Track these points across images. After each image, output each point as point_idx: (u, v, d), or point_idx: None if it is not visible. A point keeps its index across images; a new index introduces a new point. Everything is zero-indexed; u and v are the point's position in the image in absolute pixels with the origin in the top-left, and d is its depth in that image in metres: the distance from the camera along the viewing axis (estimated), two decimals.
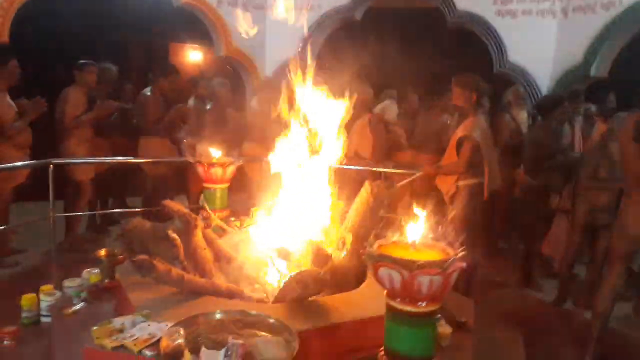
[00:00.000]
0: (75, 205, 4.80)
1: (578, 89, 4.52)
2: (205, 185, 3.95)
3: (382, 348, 1.88)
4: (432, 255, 1.76)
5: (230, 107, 5.16)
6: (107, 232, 5.55)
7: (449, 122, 4.59)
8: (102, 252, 3.16)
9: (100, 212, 5.51)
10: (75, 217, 5.03)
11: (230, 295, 2.54)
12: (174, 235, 2.67)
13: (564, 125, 3.97)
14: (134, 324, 2.06)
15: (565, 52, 6.85)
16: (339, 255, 2.83)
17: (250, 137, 4.87)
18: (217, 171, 3.88)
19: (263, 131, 5.03)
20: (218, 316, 2.11)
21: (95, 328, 2.01)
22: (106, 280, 3.04)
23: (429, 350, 1.79)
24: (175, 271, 2.45)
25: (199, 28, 8.33)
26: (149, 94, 5.21)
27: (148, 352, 1.90)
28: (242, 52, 8.14)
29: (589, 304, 3.32)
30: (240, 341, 1.90)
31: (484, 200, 3.65)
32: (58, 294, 3.02)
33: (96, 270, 3.21)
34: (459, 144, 3.54)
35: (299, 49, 8.14)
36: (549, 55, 7.03)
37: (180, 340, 1.90)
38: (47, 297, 2.95)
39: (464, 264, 1.69)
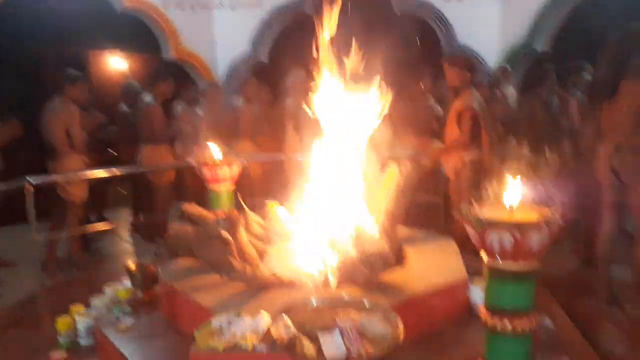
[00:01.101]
0: (62, 227, 4.51)
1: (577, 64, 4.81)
2: (211, 187, 3.86)
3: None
4: (532, 216, 1.87)
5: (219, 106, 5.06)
6: (96, 250, 5.24)
7: (433, 104, 4.77)
8: (132, 265, 3.04)
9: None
10: (58, 238, 4.73)
11: (292, 285, 2.53)
12: (227, 234, 2.61)
13: (553, 96, 4.26)
14: (230, 323, 2.01)
15: (510, 31, 7.29)
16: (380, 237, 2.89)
17: (244, 135, 4.81)
18: (224, 171, 3.81)
19: (254, 130, 5.00)
20: (313, 303, 2.11)
21: (197, 333, 1.95)
22: (141, 293, 2.93)
23: (532, 303, 1.90)
24: (248, 268, 2.41)
25: (142, 33, 8.03)
26: (151, 101, 4.99)
27: (261, 347, 1.87)
28: (192, 54, 7.96)
29: None
30: (350, 321, 1.92)
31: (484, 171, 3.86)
32: (92, 312, 2.87)
33: (124, 285, 3.08)
34: (460, 117, 3.71)
35: (252, 48, 8.12)
36: (494, 34, 7.46)
37: (293, 330, 1.89)
38: (83, 317, 2.79)
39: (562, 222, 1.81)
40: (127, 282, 3.13)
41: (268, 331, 1.94)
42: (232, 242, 2.61)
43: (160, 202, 4.78)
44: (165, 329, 2.55)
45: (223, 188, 3.85)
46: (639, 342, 2.87)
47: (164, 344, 2.42)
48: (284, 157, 4.88)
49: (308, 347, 1.81)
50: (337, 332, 1.87)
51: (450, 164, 3.87)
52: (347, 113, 3.08)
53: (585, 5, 6.79)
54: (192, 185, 5.09)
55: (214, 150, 3.97)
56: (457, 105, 3.77)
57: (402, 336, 1.89)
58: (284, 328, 1.90)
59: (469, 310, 2.58)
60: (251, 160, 4.36)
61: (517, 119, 4.20)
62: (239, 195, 3.82)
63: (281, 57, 8.48)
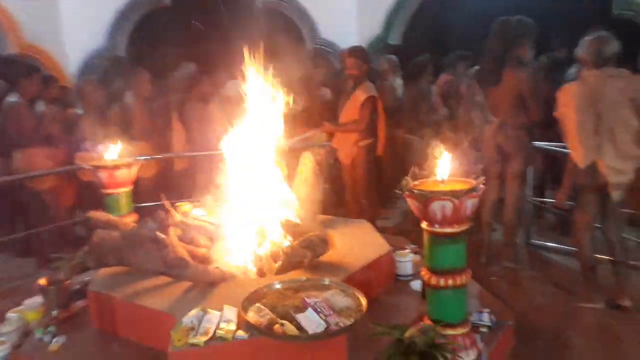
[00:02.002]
0: None
1: (463, 54, 5.35)
2: (108, 191, 3.65)
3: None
4: (461, 186, 2.19)
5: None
6: None
7: (328, 95, 5.01)
8: (43, 281, 2.79)
9: None
10: None
11: (234, 277, 2.58)
12: (163, 236, 2.55)
13: (430, 86, 4.76)
14: (199, 319, 2.02)
15: (366, 26, 7.87)
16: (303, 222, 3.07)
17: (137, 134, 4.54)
18: (122, 173, 3.62)
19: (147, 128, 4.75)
20: (277, 286, 2.21)
21: (173, 332, 1.92)
22: (54, 312, 2.71)
23: (464, 262, 2.23)
24: (201, 265, 2.40)
25: None
26: (16, 101, 4.38)
27: (241, 334, 1.93)
28: (37, 48, 7.19)
29: None
30: (318, 299, 2.07)
31: (377, 155, 4.25)
32: (4, 340, 2.58)
33: (29, 306, 2.82)
34: (362, 105, 4.01)
35: (107, 41, 7.60)
36: (352, 28, 7.98)
37: (270, 314, 1.97)
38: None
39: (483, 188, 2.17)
40: (31, 303, 2.87)
41: (241, 320, 2.00)
42: (171, 244, 2.56)
43: (42, 211, 4.33)
44: (104, 341, 2.43)
45: (122, 191, 3.68)
46: (521, 292, 3.44)
47: (111, 356, 2.31)
48: (183, 155, 4.76)
49: (289, 327, 1.92)
50: (310, 310, 2.00)
51: (345, 151, 4.17)
52: (254, 108, 3.17)
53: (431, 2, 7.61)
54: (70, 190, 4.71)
55: (110, 151, 3.76)
56: (358, 94, 4.06)
57: (365, 306, 2.09)
58: (260, 313, 1.98)
59: (395, 278, 2.88)
60: (146, 160, 4.17)
61: (402, 108, 4.65)
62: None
63: (139, 50, 8.11)
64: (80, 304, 2.81)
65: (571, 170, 3.21)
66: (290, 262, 2.62)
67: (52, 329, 2.54)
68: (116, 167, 3.60)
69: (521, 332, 2.70)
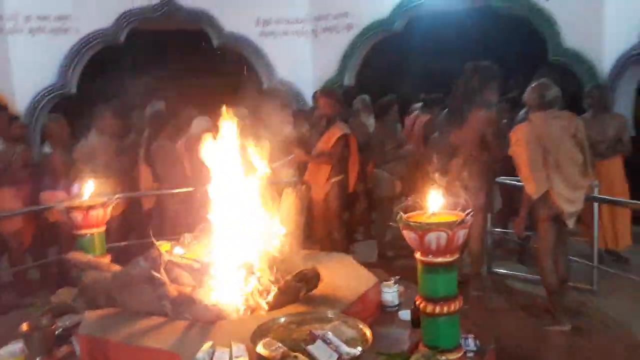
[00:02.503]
0: None
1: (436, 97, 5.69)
2: (80, 232, 3.56)
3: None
4: (452, 217, 2.36)
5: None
6: None
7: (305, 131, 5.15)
8: (25, 326, 2.68)
9: None
10: None
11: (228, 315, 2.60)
12: (158, 275, 2.54)
13: (396, 124, 5.02)
14: (210, 355, 2.03)
15: (322, 67, 8.19)
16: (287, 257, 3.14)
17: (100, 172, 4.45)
18: (98, 213, 3.56)
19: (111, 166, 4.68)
20: (281, 320, 2.26)
21: None
22: (38, 359, 2.61)
23: (456, 289, 2.38)
24: (203, 303, 2.41)
25: None
26: None
27: None
28: None
29: None
30: (324, 331, 2.14)
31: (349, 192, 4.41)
32: None
33: (16, 350, 2.69)
34: (336, 142, 4.18)
35: (59, 78, 7.47)
36: (309, 70, 8.28)
37: (282, 347, 2.02)
38: None
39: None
40: (9, 350, 2.74)
41: (251, 354, 2.03)
42: (168, 282, 2.56)
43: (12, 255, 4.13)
44: None
45: (95, 232, 3.61)
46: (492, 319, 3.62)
47: None
48: (155, 193, 4.71)
49: (302, 359, 1.97)
50: (319, 341, 2.07)
51: (319, 186, 4.30)
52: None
53: (382, 44, 8.03)
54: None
55: (84, 190, 3.69)
56: (332, 131, 4.24)
57: (370, 336, 2.18)
58: (271, 347, 2.02)
59: (382, 308, 2.99)
60: (117, 200, 4.09)
61: (371, 145, 4.86)
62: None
63: (90, 88, 8.00)
64: (64, 349, 2.71)
65: (527, 202, 3.49)
66: (284, 296, 2.67)
67: None
68: (91, 207, 3.54)
69: (499, 357, 2.86)
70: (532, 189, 3.34)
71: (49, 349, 2.66)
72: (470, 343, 2.71)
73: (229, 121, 3.13)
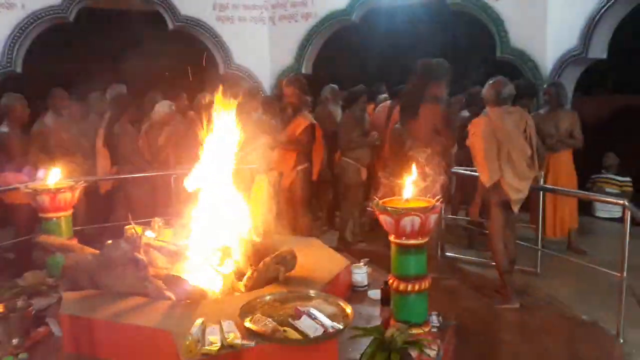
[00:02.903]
0: None
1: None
2: (46, 215, 3.52)
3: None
4: (424, 203, 2.56)
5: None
6: None
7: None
8: (0, 308, 2.67)
9: None
10: None
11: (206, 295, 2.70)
12: (141, 257, 2.60)
13: (364, 113, 5.16)
14: (202, 331, 2.13)
15: (279, 55, 8.24)
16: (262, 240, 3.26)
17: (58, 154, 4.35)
18: (66, 197, 3.53)
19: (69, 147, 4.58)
20: (267, 298, 2.39)
21: (185, 345, 2.02)
22: (15, 341, 2.61)
23: (426, 269, 2.60)
24: (192, 285, 2.49)
25: None
26: None
27: (247, 342, 2.08)
28: None
29: None
30: (308, 307, 2.29)
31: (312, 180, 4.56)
32: None
33: None
34: (303, 131, 4.30)
35: (4, 57, 7.13)
36: (265, 57, 8.31)
37: (271, 322, 2.15)
38: None
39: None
40: None
41: (241, 330, 2.15)
42: (148, 264, 2.61)
43: None
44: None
45: (62, 215, 3.57)
46: (450, 298, 3.90)
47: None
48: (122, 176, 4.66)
49: (291, 333, 2.12)
50: (305, 317, 2.22)
51: (285, 174, 4.41)
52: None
53: (342, 33, 8.18)
54: None
55: (51, 173, 3.63)
56: (298, 121, 4.35)
57: (351, 312, 2.35)
58: (261, 322, 2.15)
59: (352, 288, 3.17)
60: (84, 184, 4.03)
61: (338, 133, 5.00)
62: None
63: (39, 69, 7.66)
64: (41, 330, 2.71)
65: (481, 189, 3.78)
66: (264, 277, 2.79)
67: (24, 356, 2.44)
68: (59, 190, 3.50)
69: (459, 332, 3.12)
70: (486, 177, 3.62)
71: (26, 330, 2.67)
72: (434, 319, 2.95)
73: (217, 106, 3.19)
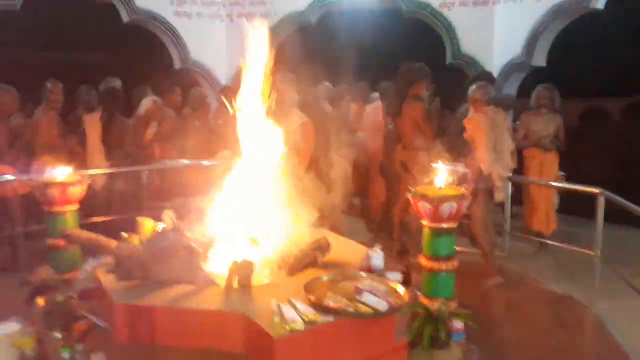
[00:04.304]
0: None
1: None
2: (54, 209, 3.44)
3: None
4: (453, 191, 2.86)
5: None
6: None
7: None
8: (41, 301, 2.63)
9: None
10: None
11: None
12: (196, 246, 2.67)
13: (349, 111, 5.40)
14: (281, 311, 2.29)
15: (237, 52, 8.22)
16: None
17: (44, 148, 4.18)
18: (75, 190, 3.46)
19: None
20: (324, 279, 2.58)
21: (275, 323, 2.16)
22: (57, 335, 2.59)
23: (453, 250, 2.91)
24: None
25: None
26: None
27: (326, 318, 2.27)
28: None
29: None
30: (368, 285, 2.52)
31: None
32: None
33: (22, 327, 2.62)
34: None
35: None
36: (223, 54, 8.30)
37: (343, 299, 2.35)
38: None
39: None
40: (11, 328, 2.65)
41: (315, 307, 2.33)
42: (202, 253, 2.69)
43: None
44: (150, 352, 2.45)
45: (69, 209, 3.50)
46: None
47: None
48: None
49: (362, 308, 2.33)
50: (367, 294, 2.44)
51: None
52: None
53: (298, 32, 8.36)
54: None
55: (57, 167, 3.53)
56: (292, 119, 4.51)
57: (405, 291, 2.58)
58: (335, 299, 2.35)
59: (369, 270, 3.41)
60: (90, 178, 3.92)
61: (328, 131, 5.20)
62: None
63: None
64: (82, 323, 2.69)
65: (475, 176, 4.16)
66: (301, 263, 2.96)
67: (80, 347, 2.43)
68: (69, 183, 3.42)
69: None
70: (485, 165, 4.02)
71: (68, 323, 2.64)
72: None
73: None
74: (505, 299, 3.93)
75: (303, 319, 2.23)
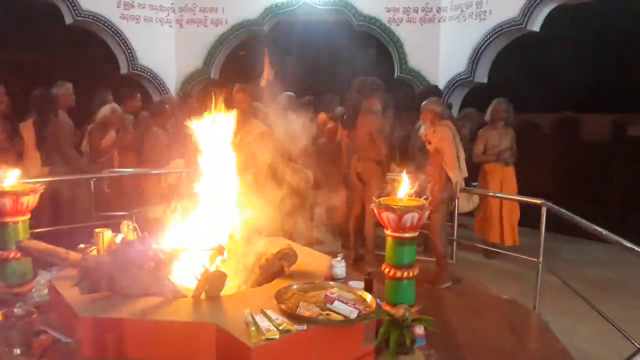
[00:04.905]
0: None
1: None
2: (3, 220, 3.28)
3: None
4: (416, 202, 2.99)
5: None
6: None
7: None
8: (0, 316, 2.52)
9: None
10: None
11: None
12: (162, 256, 2.64)
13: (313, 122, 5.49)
14: (254, 321, 2.32)
15: (186, 58, 8.18)
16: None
17: None
18: (29, 200, 3.32)
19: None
20: (294, 288, 2.64)
21: (252, 332, 2.18)
22: (17, 351, 2.49)
23: (414, 258, 3.04)
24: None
25: None
26: None
27: (300, 327, 2.32)
28: None
29: None
30: (335, 294, 2.60)
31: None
32: None
33: None
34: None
35: None
36: (171, 60, 8.17)
37: (315, 307, 2.42)
38: None
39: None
40: None
41: (286, 316, 2.38)
42: (169, 264, 2.67)
43: None
44: None
45: (21, 220, 3.35)
46: None
47: None
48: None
49: (334, 316, 2.41)
50: (337, 302, 2.52)
51: None
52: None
53: (249, 40, 8.38)
54: None
55: (10, 175, 3.37)
56: (251, 127, 4.53)
57: (372, 299, 2.68)
58: (307, 308, 2.41)
59: (332, 279, 3.50)
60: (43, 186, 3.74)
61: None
62: None
63: None
64: (44, 337, 2.60)
65: (439, 187, 4.33)
66: (269, 273, 3.00)
67: None
68: (22, 192, 3.28)
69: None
70: (454, 175, 4.22)
71: (27, 339, 2.55)
72: None
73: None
74: (456, 304, 4.13)
75: (278, 328, 2.28)
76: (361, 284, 3.31)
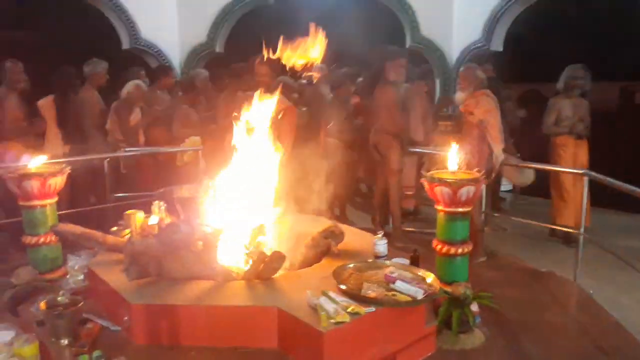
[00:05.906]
0: None
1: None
2: (32, 203, 3.12)
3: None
4: (468, 175, 2.86)
5: None
6: None
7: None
8: (43, 305, 2.39)
9: None
10: None
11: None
12: (213, 240, 2.50)
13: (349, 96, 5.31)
14: (321, 305, 2.20)
15: (189, 32, 7.88)
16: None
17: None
18: (56, 181, 3.15)
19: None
20: (350, 266, 2.52)
21: (322, 317, 2.06)
22: (63, 341, 2.36)
23: (468, 234, 2.92)
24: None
25: None
26: None
27: (368, 309, 2.21)
28: None
29: None
30: (397, 273, 2.49)
31: None
32: None
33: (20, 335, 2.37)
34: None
35: None
36: (174, 33, 7.87)
37: (380, 288, 2.30)
38: None
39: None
40: (7, 336, 2.39)
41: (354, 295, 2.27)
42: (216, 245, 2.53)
43: None
44: (177, 353, 2.29)
45: (48, 203, 3.19)
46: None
47: None
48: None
49: (400, 296, 2.29)
50: (399, 282, 2.40)
51: None
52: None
53: (250, 14, 8.10)
54: None
55: (30, 157, 3.20)
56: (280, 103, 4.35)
57: (435, 278, 2.56)
58: (373, 289, 2.29)
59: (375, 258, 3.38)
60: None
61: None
62: None
63: None
64: (90, 326, 2.47)
65: (483, 159, 4.15)
66: (315, 252, 2.88)
67: (98, 353, 2.21)
68: (50, 174, 3.10)
69: None
70: (499, 149, 4.02)
71: (74, 328, 2.42)
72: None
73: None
74: (495, 278, 4.02)
75: (347, 311, 2.16)
76: (406, 261, 3.20)
